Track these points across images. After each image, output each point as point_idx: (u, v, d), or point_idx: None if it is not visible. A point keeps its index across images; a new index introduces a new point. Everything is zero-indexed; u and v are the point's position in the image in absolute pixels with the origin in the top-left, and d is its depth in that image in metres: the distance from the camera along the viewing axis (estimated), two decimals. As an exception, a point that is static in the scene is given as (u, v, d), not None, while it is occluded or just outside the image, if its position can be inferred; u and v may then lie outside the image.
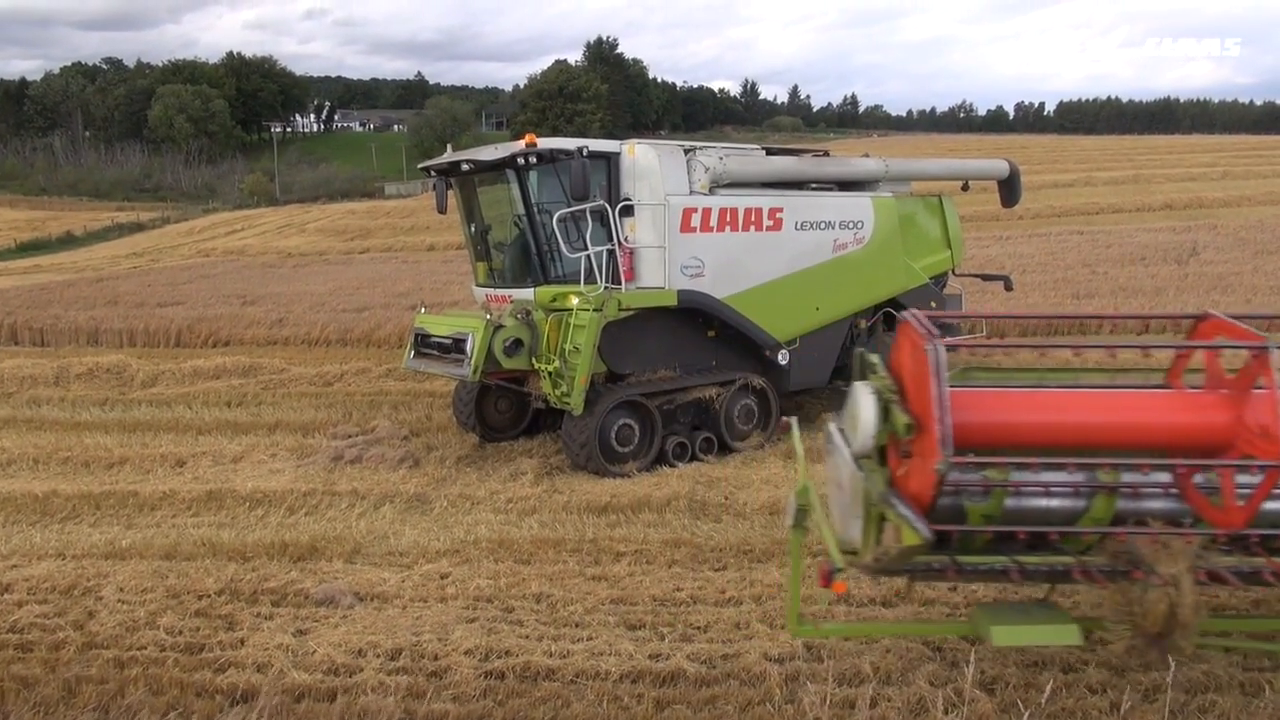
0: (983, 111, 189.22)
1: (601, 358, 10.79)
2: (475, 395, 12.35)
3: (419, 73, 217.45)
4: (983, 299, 19.96)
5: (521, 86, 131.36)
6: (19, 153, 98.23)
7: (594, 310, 10.26)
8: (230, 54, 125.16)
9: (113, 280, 32.58)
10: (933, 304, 13.93)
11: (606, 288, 10.60)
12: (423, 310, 12.36)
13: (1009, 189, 15.47)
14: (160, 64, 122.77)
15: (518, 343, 10.50)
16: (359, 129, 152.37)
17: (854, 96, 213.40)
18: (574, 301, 10.45)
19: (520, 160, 10.61)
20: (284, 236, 49.74)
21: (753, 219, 11.66)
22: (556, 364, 10.36)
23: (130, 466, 11.42)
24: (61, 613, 7.19)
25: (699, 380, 11.44)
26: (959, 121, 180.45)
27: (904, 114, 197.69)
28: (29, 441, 12.58)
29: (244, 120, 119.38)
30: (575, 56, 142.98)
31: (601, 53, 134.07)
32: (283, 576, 7.78)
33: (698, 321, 11.59)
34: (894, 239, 13.13)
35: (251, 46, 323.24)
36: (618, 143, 11.24)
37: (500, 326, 10.53)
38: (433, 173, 11.85)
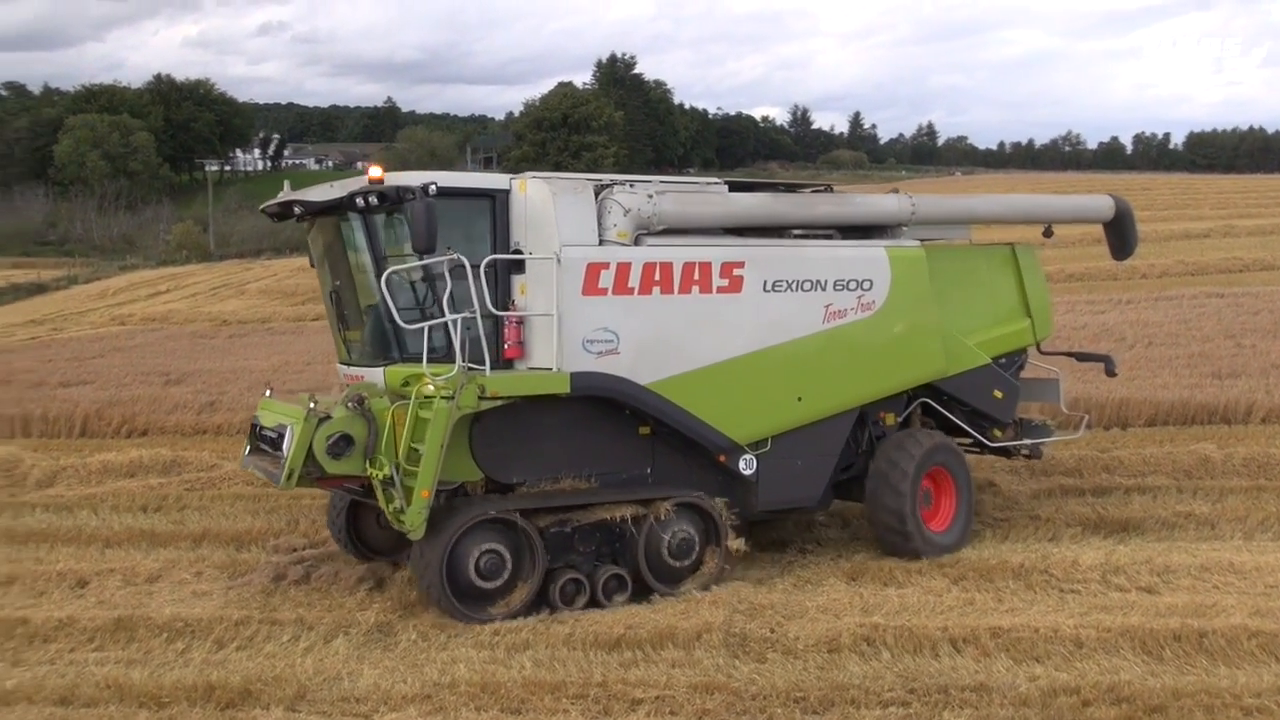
0: (1093, 144, 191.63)
1: (476, 461, 10.49)
2: (347, 504, 11.94)
3: (389, 98, 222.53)
4: (1084, 384, 19.79)
5: (517, 114, 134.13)
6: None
7: (443, 399, 9.73)
8: (158, 77, 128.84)
9: (5, 354, 33.07)
10: (997, 394, 13.01)
11: (468, 368, 10.08)
12: (268, 394, 11.92)
13: (1119, 235, 14.46)
14: (72, 90, 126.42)
15: (344, 440, 9.86)
16: (314, 166, 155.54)
17: (930, 126, 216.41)
18: (428, 388, 9.91)
19: (360, 202, 10.22)
20: (218, 299, 50.45)
21: (695, 277, 10.95)
22: (387, 469, 9.82)
23: (20, 587, 11.46)
24: (-73, 773, 7.19)
25: (607, 496, 10.75)
26: (1063, 156, 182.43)
27: (994, 147, 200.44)
28: (-106, 555, 12.67)
29: (173, 157, 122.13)
30: (584, 79, 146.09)
31: (615, 73, 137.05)
32: (207, 728, 7.74)
33: (624, 414, 10.99)
34: (923, 303, 12.26)
35: (191, 68, 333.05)
36: (507, 177, 10.94)
37: (325, 418, 10.00)
38: (270, 216, 11.77)
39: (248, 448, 11.51)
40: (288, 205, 11.23)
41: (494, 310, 10.46)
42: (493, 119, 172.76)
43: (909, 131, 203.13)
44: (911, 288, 12.14)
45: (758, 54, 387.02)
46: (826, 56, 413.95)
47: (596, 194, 10.83)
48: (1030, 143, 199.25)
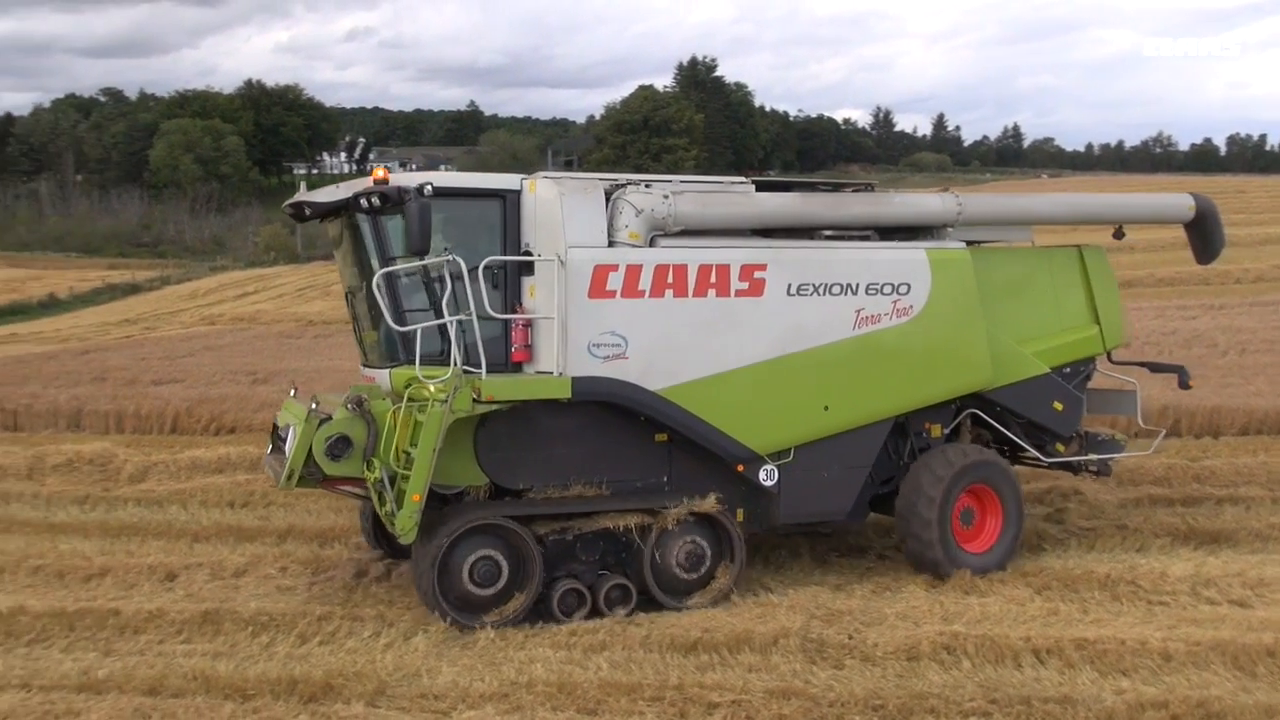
0: (1185, 146, 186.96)
1: (480, 466, 10.39)
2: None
3: (472, 102, 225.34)
4: (1174, 391, 19.15)
5: (598, 117, 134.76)
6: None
7: (437, 402, 9.65)
8: (248, 82, 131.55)
9: (101, 352, 33.96)
10: (1057, 405, 12.32)
11: (466, 371, 9.94)
12: (293, 394, 11.76)
13: (1201, 236, 13.51)
14: (166, 95, 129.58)
15: (343, 441, 9.82)
16: (399, 170, 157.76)
17: (1016, 128, 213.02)
18: (429, 389, 9.78)
19: (363, 203, 10.16)
20: (305, 300, 51.31)
21: (712, 280, 10.61)
22: (378, 472, 9.78)
23: (112, 579, 11.77)
24: (23, 758, 7.40)
25: (612, 505, 10.51)
26: (1154, 158, 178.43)
27: (1081, 149, 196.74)
28: (-6, 546, 13.07)
29: (262, 160, 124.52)
30: (665, 81, 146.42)
31: (696, 76, 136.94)
32: (290, 721, 7.87)
33: (639, 420, 10.68)
34: (967, 308, 11.61)
35: (281, 73, 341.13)
36: (519, 177, 10.83)
37: (326, 419, 10.01)
38: (291, 217, 11.68)
39: (269, 447, 11.57)
40: (300, 206, 11.20)
41: (492, 313, 10.30)
42: (574, 122, 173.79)
43: (994, 133, 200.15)
44: (954, 291, 11.53)
45: (840, 56, 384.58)
46: (910, 58, 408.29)
47: (608, 194, 10.62)
48: (1119, 144, 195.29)
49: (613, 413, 10.53)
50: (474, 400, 9.80)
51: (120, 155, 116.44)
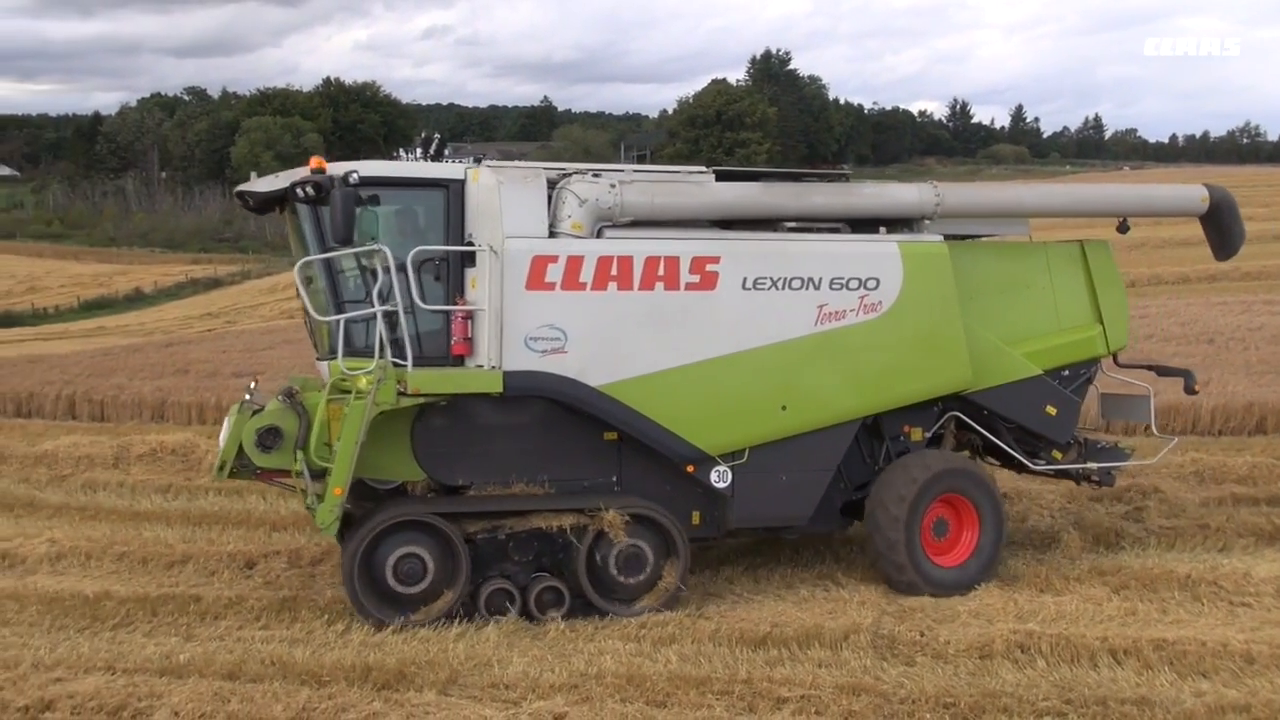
0: (1273, 136, 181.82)
1: (417, 460, 10.28)
2: None
3: (546, 98, 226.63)
4: (1260, 388, 18.77)
5: (671, 112, 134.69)
6: (88, 197, 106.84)
7: (361, 395, 9.54)
8: (327, 80, 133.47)
9: (183, 345, 34.77)
10: (1050, 409, 11.62)
11: (393, 364, 9.80)
12: (253, 385, 11.59)
13: (1218, 230, 12.42)
14: (248, 94, 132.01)
15: (272, 433, 9.76)
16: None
17: (1098, 119, 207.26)
18: (360, 382, 9.65)
19: (299, 192, 9.94)
20: (381, 295, 51.98)
21: (660, 272, 10.22)
22: (299, 464, 9.67)
23: (193, 566, 12.06)
24: (108, 738, 7.57)
25: (545, 504, 10.20)
26: (1240, 149, 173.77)
27: (1164, 140, 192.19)
28: (81, 533, 13.46)
29: (341, 156, 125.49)
30: (738, 76, 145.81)
31: (769, 69, 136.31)
32: (364, 707, 8.00)
33: (587, 418, 10.33)
34: (943, 305, 10.95)
35: (360, 71, 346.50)
36: (461, 166, 10.57)
37: (259, 410, 9.98)
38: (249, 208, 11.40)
39: None
40: (244, 196, 10.97)
41: (421, 304, 9.98)
42: (647, 117, 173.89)
43: (1074, 124, 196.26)
44: (929, 287, 10.88)
45: (916, 48, 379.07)
46: (988, 49, 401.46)
47: (552, 184, 10.36)
48: (1205, 135, 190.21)
49: (558, 409, 10.28)
50: (399, 393, 9.67)
51: (203, 153, 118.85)
